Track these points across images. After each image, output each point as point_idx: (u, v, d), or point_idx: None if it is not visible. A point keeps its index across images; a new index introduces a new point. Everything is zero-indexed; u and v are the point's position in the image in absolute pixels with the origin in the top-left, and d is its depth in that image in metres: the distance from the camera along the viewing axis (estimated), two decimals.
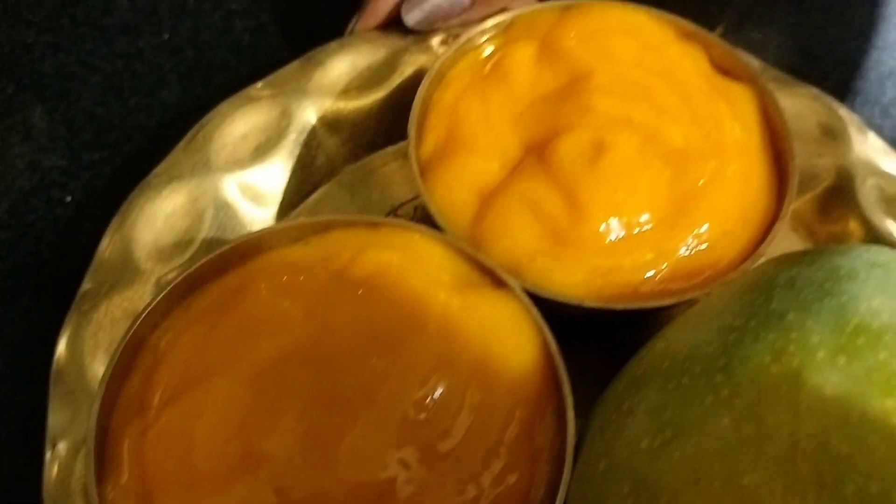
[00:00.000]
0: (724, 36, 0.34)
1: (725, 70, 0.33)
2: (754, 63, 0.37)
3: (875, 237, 0.33)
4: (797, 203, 0.35)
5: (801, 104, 0.36)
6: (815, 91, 0.36)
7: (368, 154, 0.36)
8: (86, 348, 0.29)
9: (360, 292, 0.26)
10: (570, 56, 0.32)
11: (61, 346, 0.29)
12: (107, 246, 0.31)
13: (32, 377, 0.28)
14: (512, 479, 0.24)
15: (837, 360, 0.20)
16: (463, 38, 0.33)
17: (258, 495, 0.23)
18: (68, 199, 0.35)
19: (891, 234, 0.33)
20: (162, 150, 0.33)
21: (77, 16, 0.39)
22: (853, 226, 0.34)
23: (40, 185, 0.35)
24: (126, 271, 0.30)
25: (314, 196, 0.35)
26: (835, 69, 0.39)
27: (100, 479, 0.23)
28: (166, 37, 0.38)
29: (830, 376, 0.20)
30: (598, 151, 0.29)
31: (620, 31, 0.33)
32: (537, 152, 0.30)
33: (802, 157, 0.34)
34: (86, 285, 0.30)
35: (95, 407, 0.23)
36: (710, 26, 0.34)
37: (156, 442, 0.23)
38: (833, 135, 0.35)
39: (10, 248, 0.33)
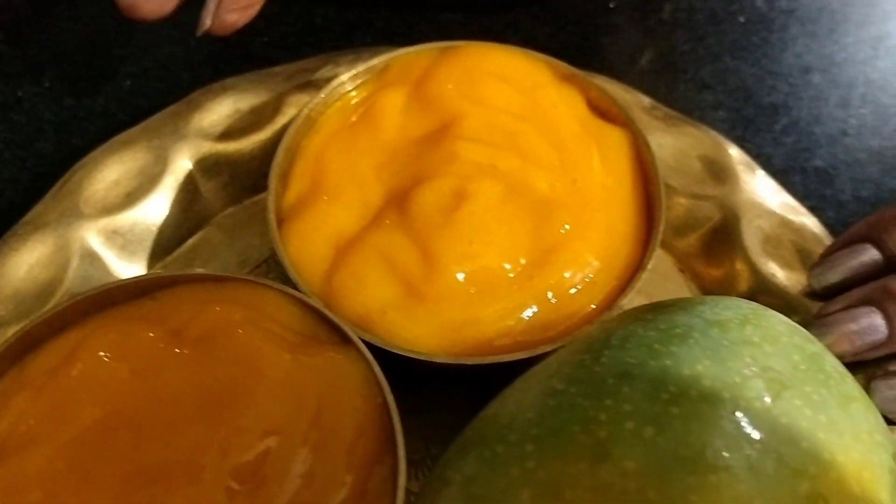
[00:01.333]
0: (642, 70, 0.33)
1: (602, 112, 0.33)
2: (644, 101, 0.36)
3: (759, 279, 0.32)
4: (683, 244, 0.34)
5: (689, 142, 0.35)
6: (704, 129, 0.36)
7: (251, 197, 0.35)
8: None
9: (194, 352, 0.25)
10: (440, 101, 0.31)
11: None
12: None
13: None
14: None
15: (645, 431, 0.20)
16: (335, 82, 0.33)
17: None
18: None
19: (773, 276, 0.32)
20: (33, 202, 0.32)
21: None
22: (739, 266, 0.33)
23: None
24: None
25: (189, 242, 0.34)
26: (728, 98, 0.38)
27: None
28: (47, 84, 0.38)
29: (636, 450, 0.19)
30: (457, 201, 0.29)
31: (495, 75, 0.32)
32: (398, 202, 0.29)
33: (688, 196, 0.34)
34: None
35: None
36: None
37: None
38: (721, 174, 0.35)
39: None
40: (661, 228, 0.29)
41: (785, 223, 0.33)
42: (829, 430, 0.21)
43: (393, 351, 0.26)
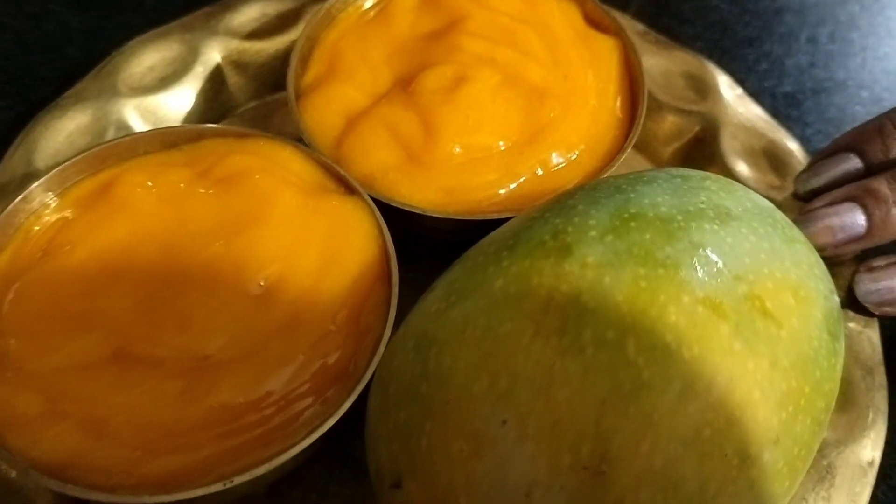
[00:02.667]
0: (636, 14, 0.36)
1: (596, 24, 0.36)
2: (638, 26, 0.40)
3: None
4: (667, 153, 0.37)
5: (676, 63, 0.38)
6: (691, 53, 0.39)
7: (272, 94, 0.39)
8: None
9: (216, 189, 0.29)
10: (449, 3, 0.35)
11: None
12: (11, 154, 0.33)
13: None
14: (335, 356, 0.26)
15: (606, 237, 0.23)
16: None
17: (93, 350, 0.25)
18: None
19: (747, 180, 0.35)
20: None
21: None
22: (715, 171, 0.35)
23: None
24: (26, 179, 0.33)
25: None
26: (706, 31, 0.42)
27: None
28: None
29: (596, 249, 0.22)
30: (458, 83, 0.32)
31: None
32: (404, 84, 0.32)
33: (674, 111, 0.37)
34: None
35: None
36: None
37: (14, 300, 0.26)
38: (704, 91, 0.37)
39: None
40: (642, 118, 0.32)
41: (759, 135, 0.36)
42: (771, 254, 0.24)
43: (391, 204, 0.29)
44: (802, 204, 0.32)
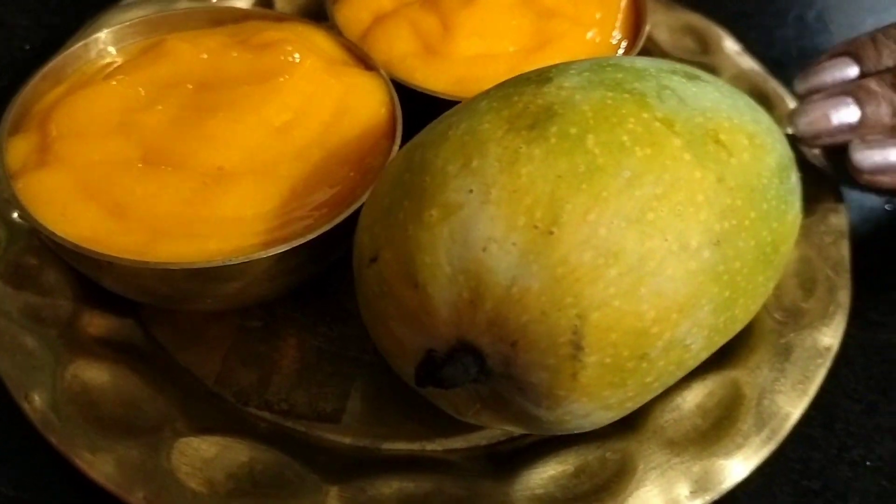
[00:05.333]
0: None
1: None
2: None
3: None
4: None
5: (683, 21, 0.42)
6: (697, 15, 0.42)
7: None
8: None
9: (252, 53, 0.32)
10: None
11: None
12: (77, 37, 0.38)
13: None
14: (337, 188, 0.29)
15: (583, 74, 0.26)
16: None
17: (125, 151, 0.28)
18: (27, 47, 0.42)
19: None
20: None
21: None
22: None
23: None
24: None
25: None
26: (700, 4, 0.45)
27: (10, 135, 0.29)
28: None
29: (572, 80, 0.25)
30: None
31: None
32: None
33: (677, 60, 0.40)
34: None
35: (24, 88, 0.30)
36: None
37: (64, 108, 0.29)
38: (706, 45, 0.41)
39: None
40: (640, 47, 0.35)
41: (753, 83, 0.39)
42: (732, 107, 0.26)
43: (405, 84, 0.33)
44: (798, 81, 0.36)
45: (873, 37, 0.34)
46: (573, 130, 0.23)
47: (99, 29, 0.37)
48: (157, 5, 0.40)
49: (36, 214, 0.27)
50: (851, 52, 0.34)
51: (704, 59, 0.40)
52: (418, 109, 0.33)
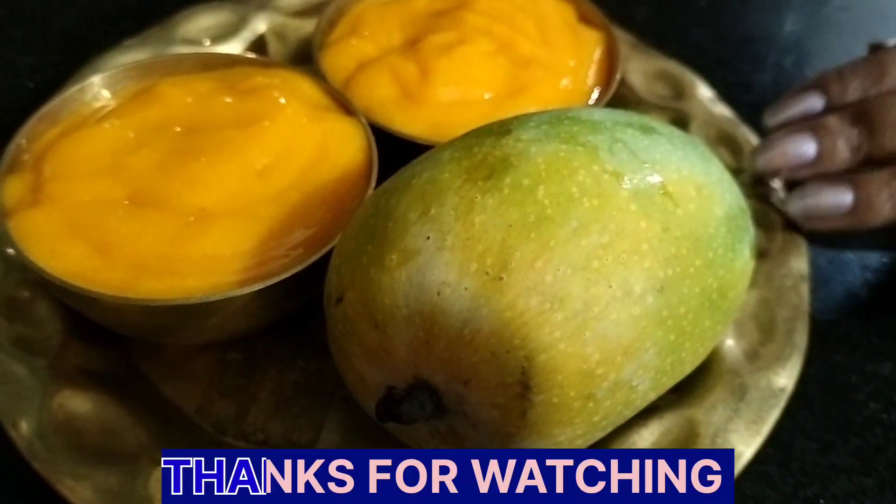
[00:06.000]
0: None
1: (588, 21, 0.42)
2: (630, 38, 0.45)
3: None
4: None
5: (658, 68, 0.43)
6: (672, 62, 0.44)
7: (304, 65, 0.44)
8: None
9: (237, 98, 0.34)
10: None
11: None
12: (76, 76, 0.40)
13: None
14: (314, 229, 0.31)
15: (542, 127, 0.27)
16: None
17: (113, 192, 0.30)
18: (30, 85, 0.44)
19: None
20: None
21: None
22: None
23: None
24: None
25: None
26: (683, 50, 0.47)
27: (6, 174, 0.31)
28: None
29: (530, 132, 0.27)
30: (457, 44, 0.37)
31: None
32: (411, 43, 0.38)
33: (653, 107, 0.42)
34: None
35: (22, 131, 0.32)
36: None
37: (58, 149, 0.31)
38: (680, 92, 0.42)
39: None
40: (611, 94, 0.37)
41: (723, 129, 0.40)
42: (683, 160, 0.28)
43: (384, 129, 0.34)
44: (767, 114, 0.38)
45: (840, 71, 0.36)
46: (526, 181, 0.25)
47: (96, 70, 0.39)
48: (154, 47, 0.42)
49: (27, 251, 0.28)
50: (819, 85, 0.36)
51: (677, 105, 0.42)
52: (397, 153, 0.34)
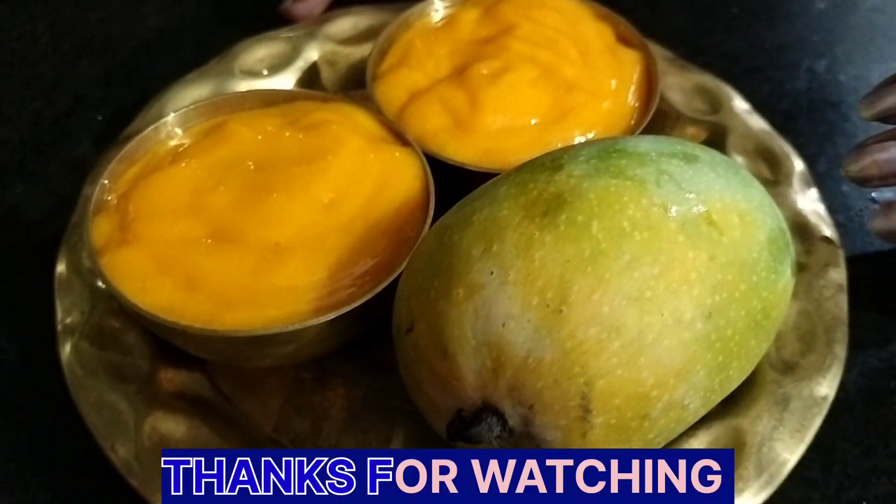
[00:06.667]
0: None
1: (626, 41, 0.43)
2: (668, 53, 0.47)
3: None
4: None
5: (695, 83, 0.45)
6: (708, 75, 0.45)
7: (355, 89, 0.47)
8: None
9: (301, 133, 0.36)
10: (503, 17, 0.43)
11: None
12: (147, 111, 0.42)
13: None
14: (378, 258, 0.33)
15: (591, 161, 0.29)
16: (431, 2, 0.44)
17: (195, 230, 0.32)
18: (99, 117, 0.47)
19: None
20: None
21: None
22: None
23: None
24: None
25: None
26: (717, 60, 0.48)
27: (96, 214, 0.33)
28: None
29: (581, 167, 0.29)
30: (503, 72, 0.39)
31: (548, 6, 0.43)
32: (459, 72, 0.40)
33: (691, 122, 0.43)
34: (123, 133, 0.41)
35: (106, 173, 0.34)
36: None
37: (141, 190, 0.34)
38: (717, 105, 0.44)
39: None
40: (651, 113, 0.39)
41: (760, 141, 0.42)
42: (725, 187, 0.29)
43: (438, 157, 0.36)
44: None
45: None
46: (580, 218, 0.27)
47: (164, 104, 0.42)
48: (216, 79, 0.44)
49: (119, 287, 0.31)
50: None
51: (714, 119, 0.43)
52: (449, 180, 0.36)
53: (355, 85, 0.47)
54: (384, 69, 0.42)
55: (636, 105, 0.40)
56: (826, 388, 0.33)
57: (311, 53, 0.46)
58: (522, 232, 0.27)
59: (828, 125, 0.47)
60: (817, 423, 0.32)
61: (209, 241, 0.32)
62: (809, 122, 0.47)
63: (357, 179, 0.35)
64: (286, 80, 0.45)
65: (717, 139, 0.42)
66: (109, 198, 0.34)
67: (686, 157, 0.30)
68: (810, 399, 0.32)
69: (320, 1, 0.49)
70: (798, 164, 0.41)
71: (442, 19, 0.44)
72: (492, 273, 0.26)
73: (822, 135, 0.47)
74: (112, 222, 0.33)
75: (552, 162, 0.30)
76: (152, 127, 0.36)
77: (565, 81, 0.39)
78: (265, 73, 0.45)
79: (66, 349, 0.34)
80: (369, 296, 0.31)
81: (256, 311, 0.31)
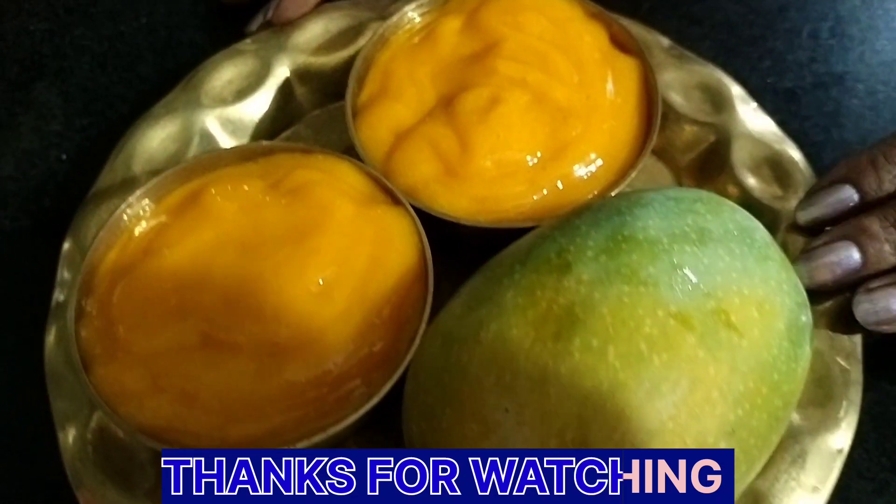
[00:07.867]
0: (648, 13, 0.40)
1: (620, 45, 0.40)
2: (664, 42, 0.43)
3: (741, 191, 0.39)
4: (684, 161, 0.42)
5: (696, 77, 0.42)
6: (710, 67, 0.42)
7: (333, 102, 0.44)
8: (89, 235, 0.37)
9: (285, 200, 0.34)
10: (487, 27, 0.39)
11: (67, 243, 0.37)
12: (114, 159, 0.40)
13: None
14: (379, 345, 0.32)
15: (600, 257, 0.27)
16: (406, 8, 0.41)
17: (185, 337, 0.31)
18: (63, 156, 0.44)
19: (752, 189, 0.39)
20: (139, 114, 0.41)
21: (69, 4, 0.49)
22: (725, 180, 0.40)
23: (41, 145, 0.44)
24: (125, 182, 0.39)
25: (284, 133, 0.43)
26: (713, 31, 0.45)
27: (77, 321, 0.32)
28: (144, 20, 0.48)
29: (590, 267, 0.27)
30: (492, 104, 0.36)
31: (535, 10, 0.40)
32: (446, 103, 0.37)
33: (691, 122, 0.41)
34: (93, 189, 0.39)
35: (82, 272, 0.32)
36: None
37: (122, 293, 0.32)
38: (719, 104, 0.41)
39: (17, 196, 0.42)
40: (654, 137, 0.36)
41: (767, 146, 0.40)
42: (742, 273, 0.28)
43: (430, 212, 0.34)
44: (799, 211, 0.37)
45: (872, 158, 0.34)
46: (595, 342, 0.25)
47: (132, 150, 0.39)
48: (182, 114, 0.41)
49: (115, 407, 0.30)
50: (851, 178, 0.34)
51: (718, 120, 0.41)
52: (444, 233, 0.35)
53: (333, 97, 0.44)
54: (364, 101, 0.39)
55: (636, 125, 0.38)
56: (842, 439, 0.33)
57: (282, 70, 0.43)
58: (535, 361, 0.25)
59: (834, 103, 0.45)
60: (835, 476, 0.32)
61: (202, 348, 0.31)
62: (814, 101, 0.45)
63: (350, 256, 0.33)
64: (258, 104, 0.42)
65: (721, 146, 0.40)
66: (89, 307, 0.32)
67: (699, 234, 0.29)
68: (828, 453, 0.32)
69: None
70: (806, 171, 0.39)
71: (420, 31, 0.41)
72: (507, 410, 0.25)
73: (827, 115, 0.45)
74: (97, 330, 0.32)
75: (558, 256, 0.28)
76: (124, 204, 0.34)
77: (559, 107, 0.37)
78: (235, 98, 0.42)
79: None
80: (375, 401, 0.30)
81: (262, 422, 0.30)
